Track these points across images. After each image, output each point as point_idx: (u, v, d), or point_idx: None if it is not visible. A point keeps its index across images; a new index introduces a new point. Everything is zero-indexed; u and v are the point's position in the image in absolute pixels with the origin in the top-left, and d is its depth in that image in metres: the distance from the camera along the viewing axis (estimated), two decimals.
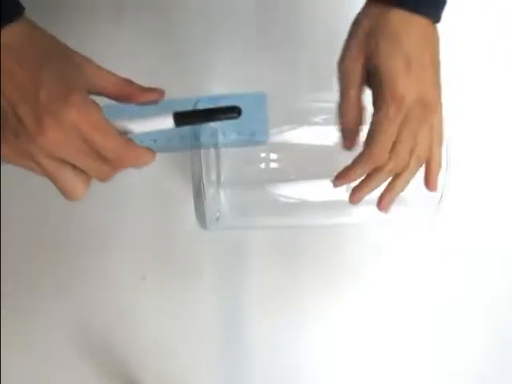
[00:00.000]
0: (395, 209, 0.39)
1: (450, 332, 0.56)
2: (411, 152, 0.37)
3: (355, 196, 0.39)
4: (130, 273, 0.55)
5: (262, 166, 0.42)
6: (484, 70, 0.59)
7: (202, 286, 0.55)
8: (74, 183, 0.32)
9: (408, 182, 0.39)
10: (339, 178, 0.39)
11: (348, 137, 0.39)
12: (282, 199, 0.41)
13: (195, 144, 0.42)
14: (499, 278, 0.57)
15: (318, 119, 0.38)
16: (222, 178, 0.46)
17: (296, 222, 0.50)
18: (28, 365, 0.54)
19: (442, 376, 0.56)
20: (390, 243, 0.56)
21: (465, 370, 0.56)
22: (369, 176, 0.39)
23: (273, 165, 0.43)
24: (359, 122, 0.39)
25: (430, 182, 0.40)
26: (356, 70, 0.37)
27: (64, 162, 0.31)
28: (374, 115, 0.37)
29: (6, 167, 0.55)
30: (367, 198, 0.39)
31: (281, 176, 0.45)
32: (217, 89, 0.57)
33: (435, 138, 0.38)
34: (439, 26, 0.58)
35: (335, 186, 0.40)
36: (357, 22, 0.37)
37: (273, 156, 0.43)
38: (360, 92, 0.38)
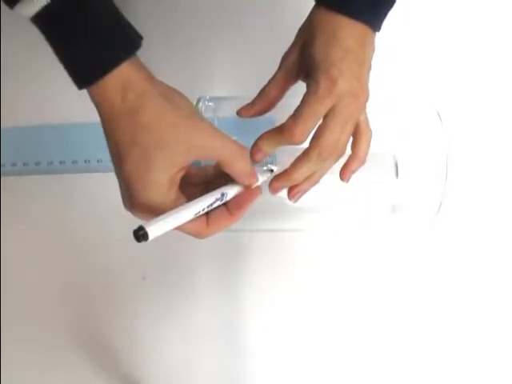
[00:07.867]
0: (394, 215, 0.38)
1: (449, 333, 0.56)
2: (336, 144, 0.36)
3: (272, 185, 0.39)
4: (130, 273, 0.55)
5: (264, 168, 0.42)
6: (484, 74, 0.58)
7: (202, 287, 0.55)
8: None
9: (323, 174, 0.39)
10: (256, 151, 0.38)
11: (249, 106, 0.40)
12: (283, 202, 0.41)
13: None
14: (498, 284, 0.57)
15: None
16: None
17: (296, 226, 0.49)
18: (27, 365, 0.54)
19: (445, 377, 0.56)
20: (390, 247, 0.56)
21: (465, 372, 0.56)
22: (292, 165, 0.38)
23: (273, 168, 0.43)
24: (270, 99, 0.39)
25: (343, 173, 0.39)
26: (289, 58, 0.38)
27: None
28: (305, 94, 0.36)
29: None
30: (371, 204, 0.38)
31: None
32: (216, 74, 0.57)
33: (360, 134, 0.39)
34: (440, 26, 0.58)
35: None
36: (304, 21, 0.38)
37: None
38: (286, 76, 0.39)
